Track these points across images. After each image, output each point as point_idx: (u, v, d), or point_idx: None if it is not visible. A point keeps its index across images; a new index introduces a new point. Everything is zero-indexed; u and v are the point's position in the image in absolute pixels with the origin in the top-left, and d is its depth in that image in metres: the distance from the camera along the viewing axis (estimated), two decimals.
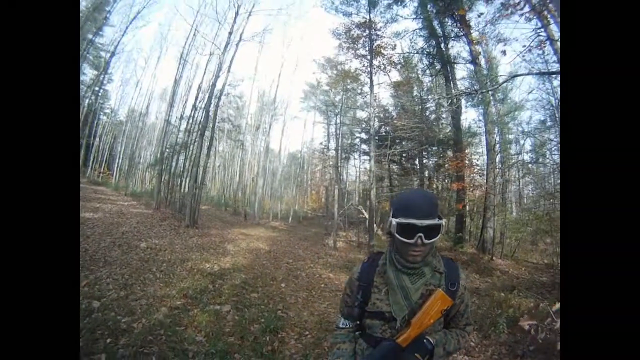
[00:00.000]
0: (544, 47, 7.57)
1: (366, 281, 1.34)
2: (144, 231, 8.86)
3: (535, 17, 7.12)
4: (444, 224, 1.22)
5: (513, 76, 8.25)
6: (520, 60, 7.36)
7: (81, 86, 21.51)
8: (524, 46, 7.11)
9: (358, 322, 1.39)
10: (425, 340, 1.21)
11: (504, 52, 13.01)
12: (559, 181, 11.70)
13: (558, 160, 11.78)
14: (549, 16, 7.23)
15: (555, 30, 7.49)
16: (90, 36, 17.41)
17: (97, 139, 26.73)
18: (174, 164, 14.36)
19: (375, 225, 14.10)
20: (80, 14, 15.22)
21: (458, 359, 3.56)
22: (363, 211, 16.03)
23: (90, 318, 3.55)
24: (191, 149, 13.57)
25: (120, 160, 26.01)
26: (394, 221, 1.21)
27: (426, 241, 1.18)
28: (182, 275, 5.73)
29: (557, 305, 4.34)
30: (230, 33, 12.65)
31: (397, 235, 1.21)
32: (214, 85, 12.85)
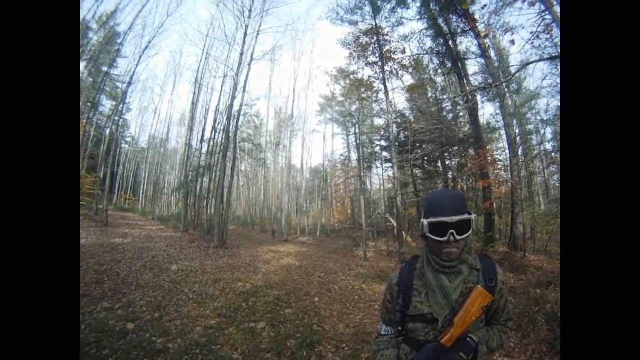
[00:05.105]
0: (551, 30, 7.34)
1: (406, 285, 1.35)
2: (174, 254, 8.96)
3: (537, 0, 6.91)
4: (474, 218, 1.22)
5: (524, 64, 8.13)
6: (530, 47, 7.17)
7: (101, 117, 22.63)
8: (531, 32, 6.94)
9: (400, 328, 1.37)
10: (468, 339, 1.20)
11: (512, 42, 12.48)
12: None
13: None
14: None
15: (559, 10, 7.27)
16: (105, 68, 18.16)
17: (121, 167, 27.83)
18: (198, 186, 14.62)
19: (403, 232, 13.78)
20: (93, 47, 16.08)
21: None
22: (390, 219, 15.73)
23: (125, 339, 3.54)
24: (214, 170, 13.79)
25: (145, 186, 26.85)
26: (425, 222, 1.23)
27: (458, 237, 1.19)
28: (215, 295, 5.71)
29: None
30: (241, 53, 12.97)
31: (429, 235, 1.23)
32: (230, 106, 13.15)
